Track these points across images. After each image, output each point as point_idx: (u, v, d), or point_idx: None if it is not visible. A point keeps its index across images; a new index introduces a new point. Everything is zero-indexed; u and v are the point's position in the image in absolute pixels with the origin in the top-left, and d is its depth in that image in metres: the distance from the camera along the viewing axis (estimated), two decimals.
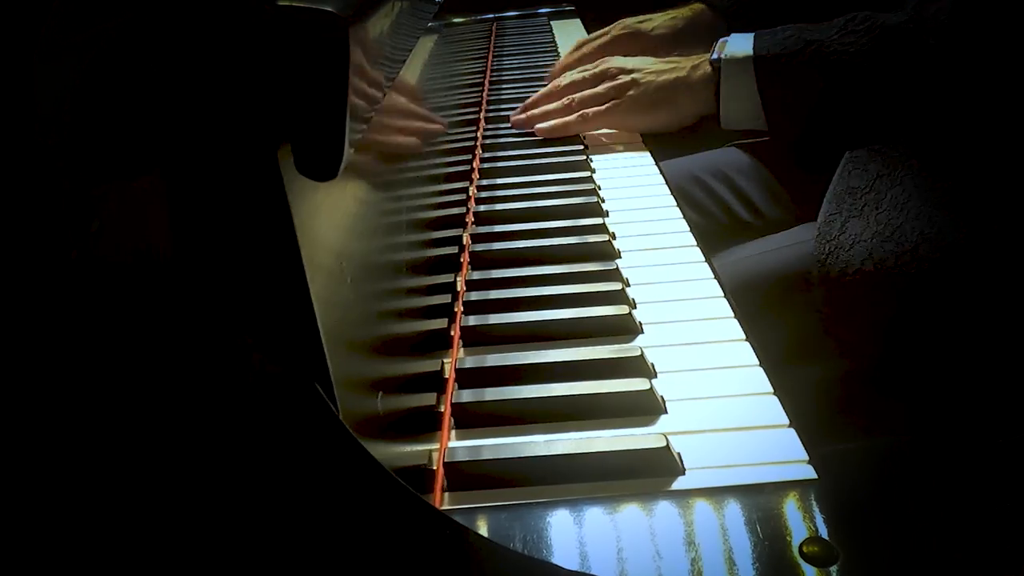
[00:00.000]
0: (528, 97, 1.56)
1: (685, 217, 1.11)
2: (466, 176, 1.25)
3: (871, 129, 1.21)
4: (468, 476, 0.67)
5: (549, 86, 1.51)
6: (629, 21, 1.68)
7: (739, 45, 1.27)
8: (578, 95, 1.43)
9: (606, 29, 1.70)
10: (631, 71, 1.40)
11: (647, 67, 1.40)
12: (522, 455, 0.67)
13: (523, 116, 1.47)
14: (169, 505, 0.47)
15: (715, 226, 1.49)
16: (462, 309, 0.90)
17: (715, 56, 1.29)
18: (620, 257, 1.01)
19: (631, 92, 1.38)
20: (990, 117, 1.15)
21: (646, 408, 0.73)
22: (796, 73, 1.21)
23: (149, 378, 0.47)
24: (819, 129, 1.24)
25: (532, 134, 1.45)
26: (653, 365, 0.79)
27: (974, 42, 1.13)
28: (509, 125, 1.48)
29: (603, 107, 1.40)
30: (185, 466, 0.47)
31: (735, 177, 1.53)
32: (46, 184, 0.43)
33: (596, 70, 1.45)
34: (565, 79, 1.48)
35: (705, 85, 1.31)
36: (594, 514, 0.60)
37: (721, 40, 1.30)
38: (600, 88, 1.42)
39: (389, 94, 0.69)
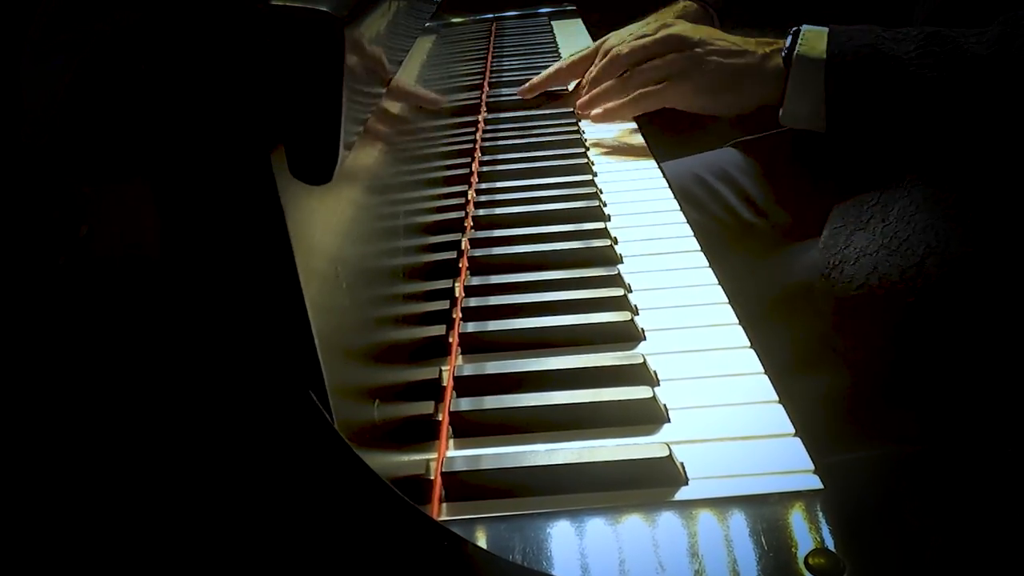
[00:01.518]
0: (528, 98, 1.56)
1: (688, 219, 1.11)
2: (465, 179, 1.25)
3: (932, 153, 1.18)
4: (466, 486, 0.67)
5: (600, 50, 1.45)
6: (617, 39, 1.61)
7: (813, 42, 1.24)
8: (638, 69, 1.36)
9: (593, 47, 1.63)
10: (697, 44, 1.33)
11: (714, 43, 1.33)
12: (522, 465, 0.67)
13: (585, 99, 1.42)
14: (161, 517, 0.47)
15: (719, 227, 1.49)
16: (460, 315, 0.90)
17: (789, 49, 1.26)
18: (622, 262, 1.01)
19: (697, 71, 1.32)
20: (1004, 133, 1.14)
21: (648, 417, 0.73)
22: (868, 85, 1.17)
23: (140, 388, 0.47)
24: (878, 142, 1.21)
25: (531, 135, 1.45)
26: (656, 373, 0.79)
27: None
28: (509, 127, 1.48)
29: (662, 85, 1.34)
30: (177, 477, 0.47)
31: (738, 177, 1.53)
32: (34, 187, 0.43)
33: (658, 36, 1.37)
34: (625, 47, 1.39)
35: (776, 78, 1.26)
36: (595, 525, 0.60)
37: (793, 29, 1.26)
38: (660, 61, 1.34)
39: (385, 96, 0.69)
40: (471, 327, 0.87)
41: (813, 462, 0.66)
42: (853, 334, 1.14)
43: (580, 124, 1.49)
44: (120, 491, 0.47)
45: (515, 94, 1.65)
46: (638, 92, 1.36)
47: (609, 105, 1.38)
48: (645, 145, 1.40)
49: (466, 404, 0.75)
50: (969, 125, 1.14)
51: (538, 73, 1.67)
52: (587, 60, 1.51)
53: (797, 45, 1.22)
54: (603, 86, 1.40)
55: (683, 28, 1.39)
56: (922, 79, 1.13)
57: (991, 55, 1.11)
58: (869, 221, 1.15)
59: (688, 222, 1.10)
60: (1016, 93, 1.10)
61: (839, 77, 1.18)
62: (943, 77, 1.12)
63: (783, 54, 1.24)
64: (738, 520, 0.60)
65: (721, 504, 0.61)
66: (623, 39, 1.44)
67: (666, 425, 0.73)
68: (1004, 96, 1.11)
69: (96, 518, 0.47)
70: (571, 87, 1.62)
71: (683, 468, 0.66)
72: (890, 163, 1.18)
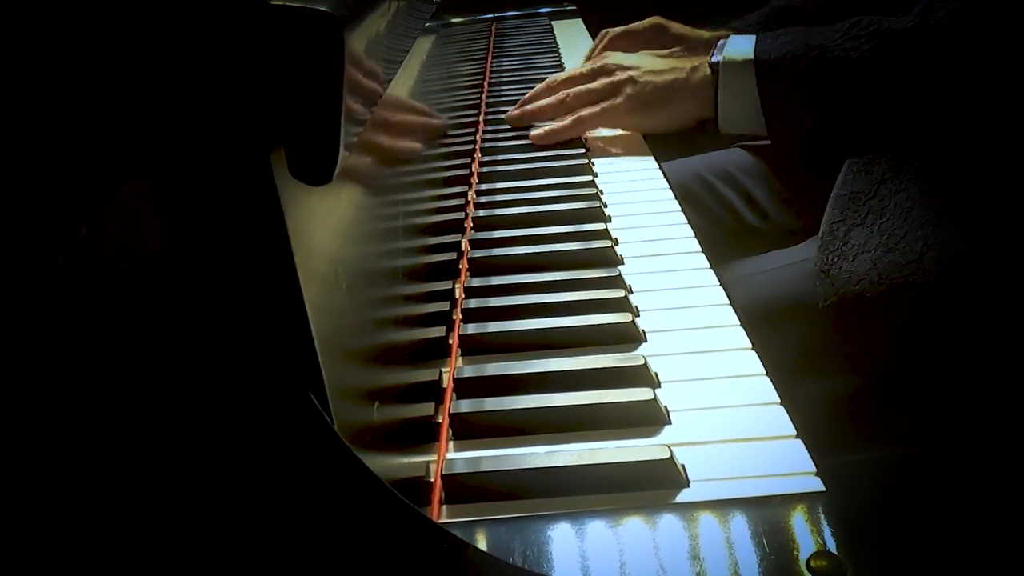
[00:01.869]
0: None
1: (690, 221, 1.11)
2: (465, 180, 1.25)
3: (873, 137, 1.20)
4: (467, 488, 0.67)
5: (545, 81, 1.50)
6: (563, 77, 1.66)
7: (739, 47, 1.27)
8: (573, 90, 1.42)
9: (636, 25, 1.69)
10: (628, 68, 1.39)
11: (645, 66, 1.39)
12: (522, 467, 0.67)
13: (517, 112, 1.47)
14: (160, 519, 0.47)
15: (721, 229, 1.49)
16: (460, 317, 0.90)
17: (715, 58, 1.28)
18: (623, 263, 1.01)
19: (627, 91, 1.37)
20: (994, 124, 1.14)
21: (649, 418, 0.73)
22: (797, 78, 1.20)
23: (139, 389, 0.47)
24: (820, 135, 1.23)
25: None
26: (657, 374, 0.79)
27: (978, 50, 1.12)
28: (509, 128, 1.48)
29: (597, 108, 1.38)
30: (177, 479, 0.47)
31: (741, 178, 1.53)
32: (33, 187, 0.43)
33: (594, 65, 1.44)
34: (562, 75, 1.47)
35: (704, 88, 1.30)
36: (596, 528, 0.60)
37: (721, 41, 1.30)
38: (596, 84, 1.40)
39: (385, 96, 0.69)
40: (471, 328, 0.87)
41: (815, 464, 0.66)
42: (854, 333, 1.14)
43: None
44: (119, 493, 0.47)
45: (515, 95, 1.65)
46: (576, 116, 1.40)
47: (552, 127, 1.42)
48: (646, 145, 1.40)
49: (466, 406, 0.75)
50: (903, 102, 1.17)
51: (538, 74, 1.68)
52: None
53: (723, 52, 1.25)
54: (537, 103, 1.46)
55: (617, 56, 1.45)
56: (848, 60, 1.16)
57: (912, 27, 1.14)
58: (867, 217, 1.15)
59: (689, 223, 1.10)
60: (941, 59, 1.12)
61: (768, 73, 1.21)
62: (869, 57, 1.15)
63: (711, 61, 1.27)
64: (739, 522, 0.60)
65: (722, 506, 0.61)
66: (567, 72, 1.50)
67: (667, 427, 0.73)
68: (929, 64, 1.13)
69: (95, 520, 0.47)
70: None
71: (684, 470, 0.66)
72: (885, 155, 1.18)
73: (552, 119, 1.43)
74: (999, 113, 1.14)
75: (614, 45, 1.64)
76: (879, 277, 1.10)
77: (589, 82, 1.42)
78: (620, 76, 1.39)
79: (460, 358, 0.85)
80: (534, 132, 1.42)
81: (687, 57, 1.38)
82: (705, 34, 1.58)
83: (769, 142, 1.54)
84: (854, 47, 1.16)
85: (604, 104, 1.38)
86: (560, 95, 1.43)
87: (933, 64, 1.14)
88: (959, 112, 1.15)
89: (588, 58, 1.66)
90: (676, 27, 1.64)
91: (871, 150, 1.20)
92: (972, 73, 1.13)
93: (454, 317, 0.89)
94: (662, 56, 1.43)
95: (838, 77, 1.17)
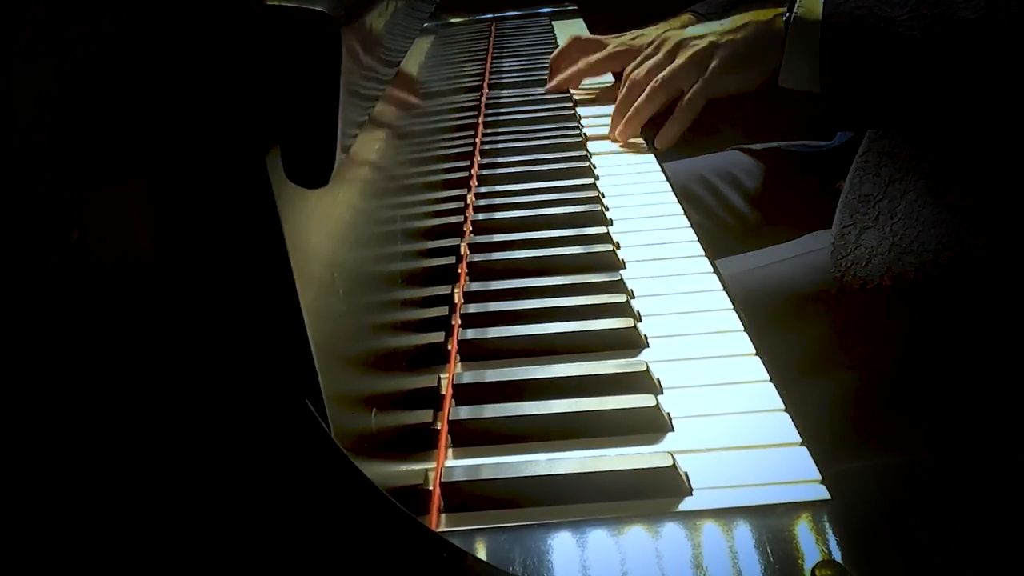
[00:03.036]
0: (528, 99, 1.56)
1: (692, 222, 1.11)
2: (464, 183, 1.25)
3: (921, 117, 1.20)
4: (466, 496, 0.67)
5: (626, 85, 1.45)
6: (625, 38, 1.66)
7: (810, 5, 1.26)
8: (665, 73, 1.38)
9: (604, 46, 1.67)
10: (703, 35, 1.37)
11: (715, 28, 1.37)
12: (522, 474, 0.67)
13: (622, 125, 1.42)
14: (155, 529, 0.47)
15: (722, 229, 1.49)
16: (459, 322, 0.90)
17: (786, 15, 1.28)
18: (625, 268, 1.00)
19: (721, 54, 1.35)
20: (1008, 117, 1.14)
21: (652, 425, 0.73)
22: (859, 44, 1.20)
23: (132, 397, 0.47)
24: (868, 104, 1.23)
25: (532, 137, 1.45)
26: (659, 380, 0.79)
27: None
28: (509, 130, 1.48)
29: (699, 84, 1.36)
30: (171, 487, 0.47)
31: (743, 179, 1.53)
32: (24, 190, 0.43)
33: (665, 48, 1.41)
34: (642, 71, 1.42)
35: (779, 39, 1.28)
36: (598, 536, 0.60)
37: None
38: (682, 59, 1.38)
39: (383, 97, 0.69)
40: (470, 334, 0.87)
41: (820, 472, 0.66)
42: (864, 336, 1.14)
43: (581, 127, 1.49)
44: (113, 502, 0.47)
45: (515, 96, 1.65)
46: (684, 104, 1.37)
47: (669, 128, 1.39)
48: (648, 148, 1.40)
49: (465, 412, 0.75)
50: (956, 89, 1.17)
51: (538, 75, 1.68)
52: (610, 59, 1.56)
53: (796, 7, 1.24)
54: (636, 105, 1.41)
55: (678, 32, 1.43)
56: (911, 40, 1.16)
57: (979, 19, 1.13)
58: (878, 218, 1.15)
59: (691, 224, 1.10)
60: (1002, 58, 1.12)
61: (833, 36, 1.21)
62: (931, 39, 1.15)
63: (784, 18, 1.26)
64: (743, 531, 0.60)
65: (726, 515, 0.61)
66: (635, 66, 1.45)
67: (670, 434, 0.73)
68: (990, 61, 1.13)
69: (87, 528, 0.47)
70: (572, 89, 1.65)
71: (687, 478, 0.66)
72: (892, 156, 1.19)
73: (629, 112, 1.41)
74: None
75: (605, 66, 1.64)
76: (893, 280, 1.10)
77: (671, 61, 1.39)
78: (701, 43, 1.37)
79: (459, 364, 0.84)
80: (659, 140, 1.40)
81: (755, 11, 1.36)
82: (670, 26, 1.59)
83: (769, 145, 1.55)
84: (920, 27, 1.16)
85: (706, 76, 1.35)
86: (654, 85, 1.39)
87: (995, 61, 1.13)
88: (1014, 109, 1.15)
89: (580, 71, 1.65)
90: (639, 40, 1.64)
91: (907, 125, 1.20)
92: None
93: (453, 322, 0.89)
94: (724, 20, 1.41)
95: (899, 54, 1.17)
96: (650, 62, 1.42)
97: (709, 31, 1.37)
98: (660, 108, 1.41)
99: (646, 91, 1.40)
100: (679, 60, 1.38)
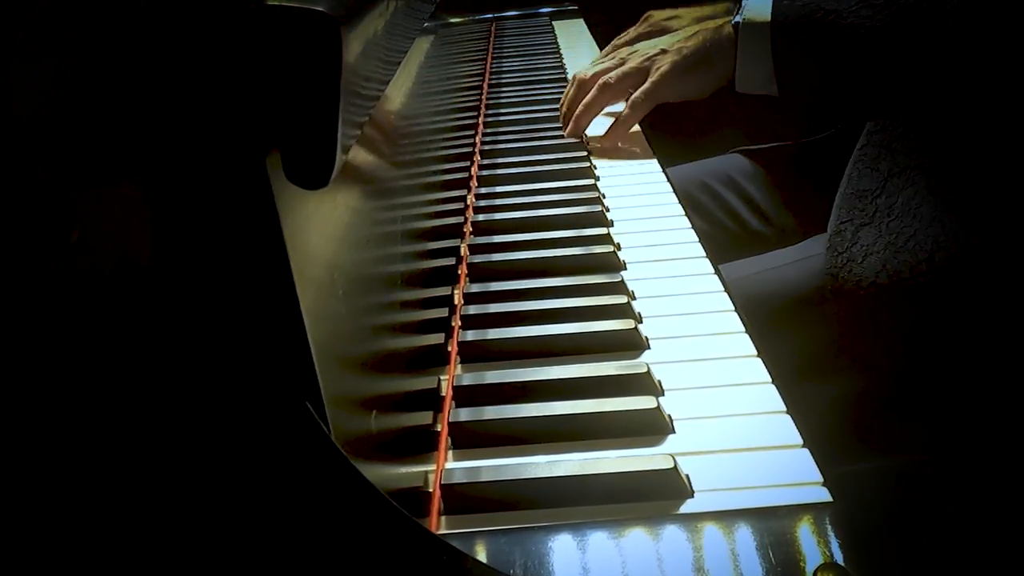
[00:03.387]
0: (527, 101, 1.56)
1: (693, 226, 1.11)
2: (464, 184, 1.25)
3: (880, 106, 1.21)
4: (466, 499, 0.67)
5: (573, 84, 1.49)
6: (658, 16, 1.68)
7: (760, 8, 1.27)
8: (613, 74, 1.41)
9: (635, 27, 1.69)
10: (654, 45, 1.41)
11: (666, 39, 1.41)
12: (522, 477, 0.67)
13: (572, 127, 1.45)
14: (152, 533, 0.47)
15: (724, 235, 1.49)
16: (460, 323, 0.90)
17: (736, 19, 1.29)
18: (625, 268, 1.00)
19: (669, 59, 1.37)
20: (1002, 112, 1.14)
21: (653, 427, 0.73)
22: (810, 42, 1.21)
23: (131, 400, 0.47)
24: (829, 100, 1.24)
25: (532, 138, 1.45)
26: (660, 382, 0.79)
27: (990, 28, 1.12)
28: (509, 130, 1.48)
29: (647, 84, 1.38)
30: (170, 490, 0.47)
31: (744, 183, 1.53)
32: (23, 191, 0.43)
33: (618, 56, 1.46)
34: (589, 71, 1.46)
35: (731, 45, 1.30)
36: (598, 539, 0.60)
37: (743, 3, 1.30)
38: (632, 64, 1.41)
39: (383, 98, 0.69)
40: (470, 335, 0.87)
41: (822, 474, 0.66)
42: (863, 336, 1.14)
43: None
44: (111, 505, 0.47)
45: (515, 96, 1.65)
46: (629, 101, 1.39)
47: (612, 128, 1.41)
48: (649, 148, 1.40)
49: (465, 414, 0.75)
50: (911, 75, 1.18)
51: (539, 75, 1.68)
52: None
53: (742, 11, 1.25)
54: (584, 103, 1.44)
55: (635, 44, 1.48)
56: (861, 29, 1.16)
57: (925, 1, 1.13)
58: (875, 215, 1.15)
59: (693, 228, 1.10)
60: (951, 39, 1.12)
61: (783, 36, 1.22)
62: (879, 26, 1.15)
63: (732, 22, 1.27)
64: (745, 534, 0.60)
65: (727, 517, 0.61)
66: (586, 69, 1.49)
67: (671, 436, 0.73)
68: (936, 38, 1.13)
69: (86, 529, 0.47)
70: None
71: (688, 480, 0.66)
72: (891, 150, 1.19)
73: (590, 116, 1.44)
74: (1007, 99, 1.14)
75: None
76: (890, 278, 1.10)
77: (621, 66, 1.42)
78: (652, 51, 1.40)
79: (459, 366, 0.84)
80: (603, 139, 1.42)
81: (706, 21, 1.39)
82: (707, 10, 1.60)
83: (770, 147, 1.55)
84: (868, 16, 1.17)
85: (652, 79, 1.37)
86: (601, 82, 1.42)
87: (941, 37, 1.13)
88: (966, 91, 1.15)
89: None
90: (673, 21, 1.65)
91: (873, 115, 1.21)
92: (981, 51, 1.13)
93: (453, 324, 0.89)
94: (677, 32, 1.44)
95: (849, 44, 1.18)
96: (600, 66, 1.45)
97: (659, 41, 1.41)
98: (600, 109, 1.44)
99: (591, 91, 1.43)
100: (626, 65, 1.41)
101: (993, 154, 1.14)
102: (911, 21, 1.15)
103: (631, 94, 1.38)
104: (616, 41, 1.67)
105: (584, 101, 1.43)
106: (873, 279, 1.12)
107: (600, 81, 1.42)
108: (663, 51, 1.38)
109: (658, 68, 1.37)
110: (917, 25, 1.14)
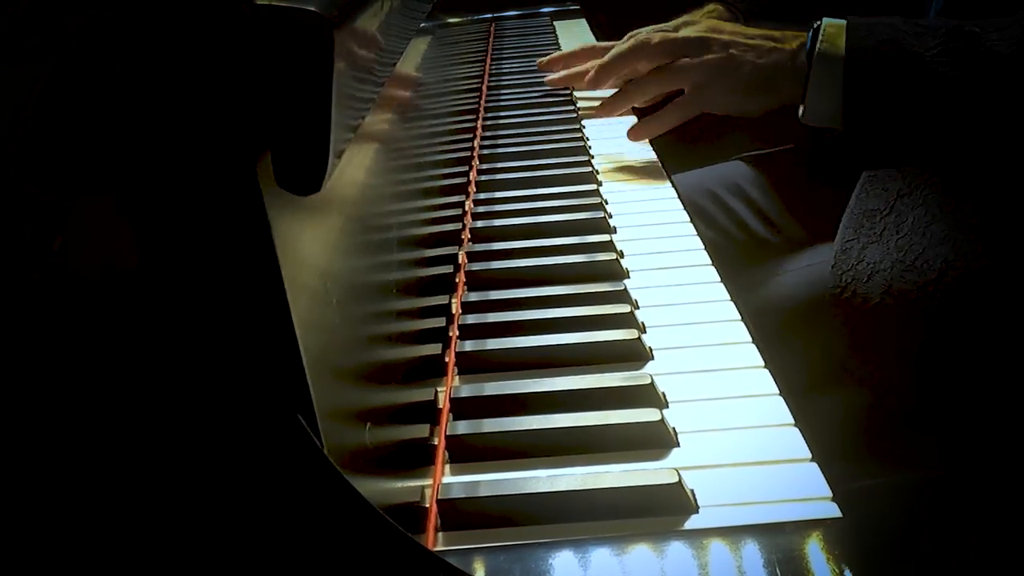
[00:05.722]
0: (529, 102, 1.56)
1: (699, 234, 1.11)
2: (462, 189, 1.25)
3: (943, 153, 1.18)
4: (464, 514, 0.67)
5: (632, 41, 1.41)
6: (647, 31, 1.62)
7: (833, 38, 1.23)
8: (671, 66, 1.34)
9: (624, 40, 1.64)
10: (729, 44, 1.32)
11: (745, 42, 1.32)
12: (522, 491, 0.67)
13: (594, 75, 1.41)
14: (141, 552, 0.47)
15: (731, 243, 1.49)
16: (457, 333, 0.90)
17: (808, 46, 1.25)
18: (629, 277, 1.00)
19: (734, 73, 1.30)
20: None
21: (657, 441, 0.73)
22: (887, 82, 1.17)
23: (117, 412, 0.47)
24: (894, 142, 1.21)
25: (532, 142, 1.44)
26: (664, 394, 0.79)
27: None
28: (508, 134, 1.48)
29: (695, 91, 1.33)
30: (157, 504, 0.47)
31: (749, 191, 1.53)
32: (4, 197, 0.43)
33: (690, 35, 1.36)
34: (656, 36, 1.38)
35: (801, 76, 1.23)
36: (601, 555, 0.60)
37: (815, 25, 1.26)
38: (694, 61, 1.33)
39: (378, 101, 0.69)
40: (469, 346, 0.87)
41: (831, 489, 0.66)
42: (870, 354, 1.14)
43: (584, 131, 1.49)
44: (96, 521, 0.47)
45: (515, 99, 1.65)
46: (674, 104, 1.35)
47: (657, 118, 1.37)
48: (653, 153, 1.40)
49: (463, 427, 0.75)
50: (989, 126, 1.14)
51: (539, 77, 1.68)
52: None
53: (818, 42, 1.22)
54: (628, 89, 1.40)
55: (711, 25, 1.38)
56: (942, 77, 1.13)
57: (1012, 54, 1.11)
58: (883, 233, 1.15)
59: (699, 236, 1.10)
60: None
61: (859, 73, 1.18)
62: (963, 75, 1.12)
63: (806, 50, 1.24)
64: (751, 550, 0.59)
65: (734, 533, 0.61)
66: (647, 31, 1.42)
67: (675, 450, 0.73)
68: (1016, 95, 1.11)
69: (69, 547, 0.47)
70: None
71: (693, 495, 0.66)
72: (902, 170, 1.18)
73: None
74: None
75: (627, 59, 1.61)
76: (895, 298, 1.10)
77: (684, 55, 1.34)
78: (723, 55, 1.31)
79: (457, 377, 0.84)
80: (645, 128, 1.38)
81: (783, 34, 1.31)
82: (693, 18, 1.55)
83: (774, 153, 1.55)
84: (950, 62, 1.13)
85: (704, 87, 1.32)
86: (655, 71, 1.36)
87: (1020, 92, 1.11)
88: None
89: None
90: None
91: (933, 164, 1.18)
92: None
93: (451, 334, 0.89)
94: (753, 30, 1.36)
95: (927, 90, 1.13)
96: (669, 36, 1.37)
97: (740, 40, 1.32)
98: (654, 99, 1.40)
99: (645, 77, 1.38)
100: (702, 58, 1.33)
101: (1008, 172, 1.14)
102: (997, 70, 1.11)
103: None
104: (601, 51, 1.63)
105: (635, 83, 1.39)
106: (879, 299, 1.11)
107: (658, 70, 1.35)
108: (733, 57, 1.30)
109: (719, 78, 1.31)
110: (1003, 75, 1.11)
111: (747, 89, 1.30)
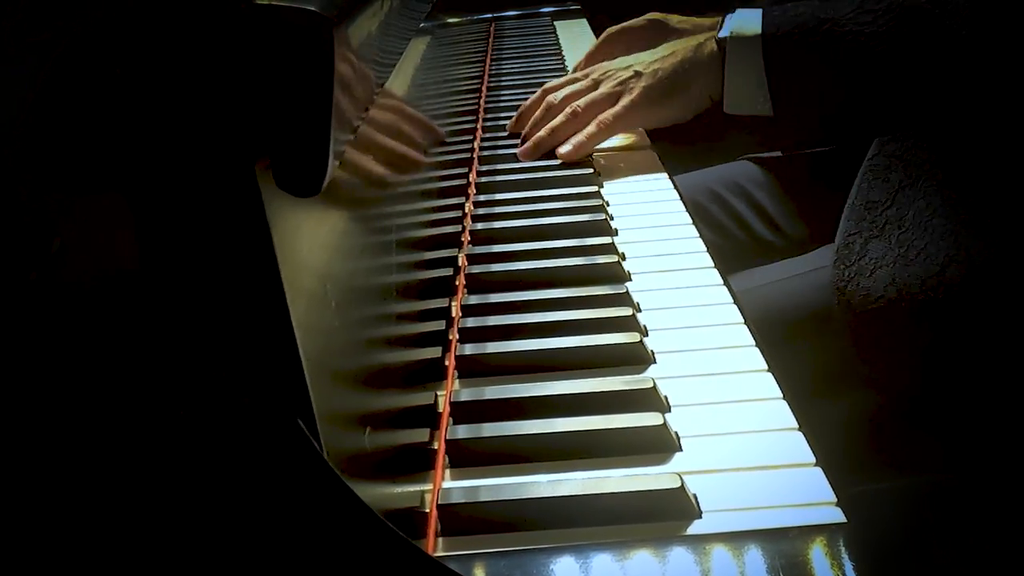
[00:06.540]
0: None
1: (701, 235, 1.11)
2: (462, 191, 1.25)
3: (884, 120, 1.19)
4: (464, 519, 0.67)
5: (540, 96, 1.46)
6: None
7: (746, 21, 1.25)
8: (580, 101, 1.38)
9: (633, 22, 1.67)
10: (629, 66, 1.38)
11: (643, 58, 1.38)
12: (523, 496, 0.67)
13: (531, 146, 1.40)
14: (139, 557, 0.47)
15: (733, 244, 1.49)
16: (457, 337, 0.90)
17: (722, 33, 1.27)
18: (630, 280, 1.00)
19: (641, 83, 1.34)
20: (1019, 120, 1.14)
21: (659, 445, 0.73)
22: (806, 54, 1.18)
23: (115, 416, 0.47)
24: (830, 117, 1.22)
25: None
26: (667, 398, 0.79)
27: (997, 30, 1.11)
28: (508, 136, 1.48)
29: (617, 108, 1.35)
30: (156, 510, 0.47)
31: (753, 191, 1.53)
32: (2, 199, 0.43)
33: (592, 74, 1.42)
34: (560, 90, 1.43)
35: (714, 64, 1.28)
36: (602, 561, 0.60)
37: (727, 16, 1.28)
38: (603, 88, 1.38)
39: (377, 101, 0.69)
40: (469, 349, 0.87)
41: (835, 493, 0.66)
42: (873, 352, 1.13)
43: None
44: (93, 527, 0.47)
45: (515, 99, 1.65)
46: (597, 121, 1.36)
47: (578, 139, 1.36)
48: (655, 155, 1.40)
49: (464, 432, 0.75)
50: (916, 84, 1.16)
51: (540, 78, 1.68)
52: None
53: (729, 27, 1.23)
54: (549, 126, 1.40)
55: (607, 63, 1.44)
56: (861, 35, 1.14)
57: (927, 2, 1.12)
58: (884, 227, 1.15)
59: (700, 237, 1.10)
60: (955, 38, 1.11)
61: (776, 49, 1.19)
62: (881, 32, 1.14)
63: (717, 37, 1.26)
64: (755, 556, 0.60)
65: (737, 538, 0.61)
66: (555, 89, 1.46)
67: (678, 454, 0.73)
68: (943, 42, 1.12)
69: (65, 554, 0.47)
70: None
71: (696, 500, 0.66)
72: (903, 160, 1.18)
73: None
74: (1017, 99, 1.13)
75: (612, 43, 1.63)
76: (899, 293, 1.10)
77: (593, 90, 1.39)
78: (625, 74, 1.37)
79: (457, 381, 0.84)
80: (562, 150, 1.37)
81: (686, 38, 1.37)
82: (707, 21, 1.55)
83: (779, 154, 1.55)
84: (868, 21, 1.15)
85: (622, 102, 1.35)
86: (568, 111, 1.39)
87: (950, 42, 1.12)
88: (975, 96, 1.15)
89: (588, 56, 1.66)
90: (675, 20, 1.63)
91: (881, 131, 1.19)
92: (989, 54, 1.12)
93: (451, 337, 0.89)
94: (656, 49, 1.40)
95: (849, 53, 1.16)
96: (570, 88, 1.42)
97: (636, 61, 1.38)
98: (565, 138, 1.39)
99: (559, 116, 1.39)
100: (598, 91, 1.38)
101: (1010, 165, 1.14)
102: (916, 24, 1.13)
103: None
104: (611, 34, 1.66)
105: (551, 125, 1.39)
106: (882, 293, 1.11)
107: (569, 108, 1.38)
108: (637, 74, 1.35)
109: (630, 94, 1.35)
110: (922, 28, 1.13)
111: (659, 96, 1.34)
